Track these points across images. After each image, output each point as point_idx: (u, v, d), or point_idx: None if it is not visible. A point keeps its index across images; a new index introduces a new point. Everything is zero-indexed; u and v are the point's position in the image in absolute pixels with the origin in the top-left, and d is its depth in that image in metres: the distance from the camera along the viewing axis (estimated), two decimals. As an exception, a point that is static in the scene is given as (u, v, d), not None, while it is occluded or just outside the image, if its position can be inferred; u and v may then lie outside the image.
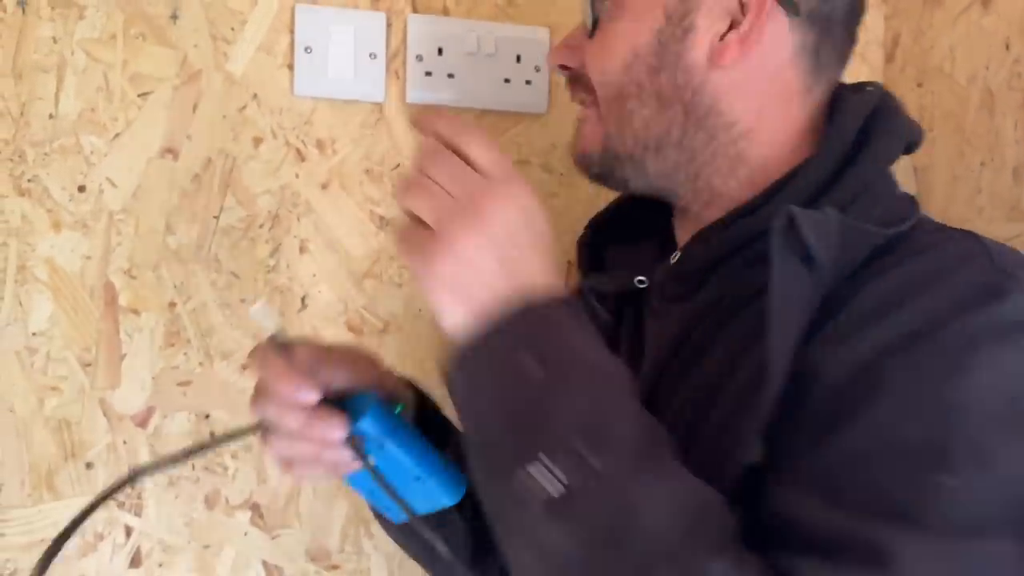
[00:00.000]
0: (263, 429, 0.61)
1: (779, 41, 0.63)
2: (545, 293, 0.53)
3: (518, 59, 0.94)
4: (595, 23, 0.67)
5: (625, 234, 0.76)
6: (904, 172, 0.97)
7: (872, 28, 1.07)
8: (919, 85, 1.05)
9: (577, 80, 0.70)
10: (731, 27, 0.63)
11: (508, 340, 0.52)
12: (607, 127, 0.67)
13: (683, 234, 0.70)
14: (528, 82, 0.95)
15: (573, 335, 0.53)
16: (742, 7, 0.62)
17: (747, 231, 0.62)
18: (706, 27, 0.63)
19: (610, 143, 0.67)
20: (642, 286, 0.71)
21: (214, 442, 0.65)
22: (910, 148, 0.67)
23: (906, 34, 1.06)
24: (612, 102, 0.66)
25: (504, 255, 0.53)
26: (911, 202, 0.64)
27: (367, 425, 0.62)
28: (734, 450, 0.54)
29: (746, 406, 0.55)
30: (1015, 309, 0.52)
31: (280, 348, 0.60)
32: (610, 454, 0.49)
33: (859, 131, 0.63)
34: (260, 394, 0.60)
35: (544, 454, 0.48)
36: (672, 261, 0.68)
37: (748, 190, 0.64)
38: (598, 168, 0.69)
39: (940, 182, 0.98)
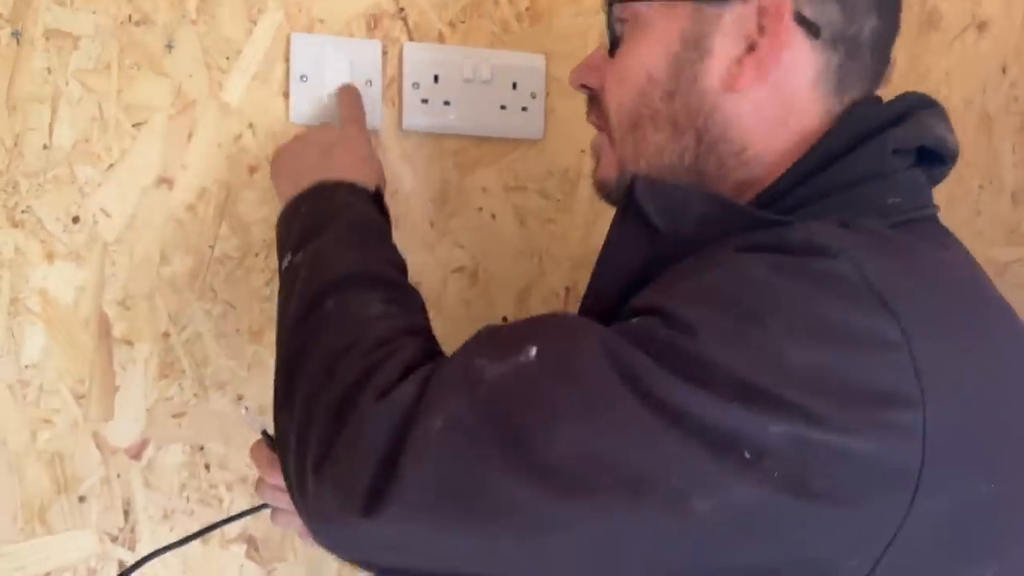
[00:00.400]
0: (270, 507, 0.75)
1: (799, 64, 0.61)
2: (342, 180, 0.75)
3: (514, 86, 0.94)
4: (614, 43, 0.67)
5: None
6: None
7: (868, 53, 1.07)
8: (916, 109, 1.05)
9: (594, 100, 0.70)
10: (749, 50, 0.61)
11: (302, 200, 0.74)
12: (621, 152, 0.67)
13: None
14: (524, 109, 0.95)
15: (342, 197, 0.73)
16: (760, 30, 0.60)
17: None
18: (723, 50, 0.62)
19: (625, 168, 0.67)
20: None
21: (228, 520, 0.78)
22: (940, 159, 0.63)
23: (902, 58, 1.06)
24: (626, 129, 0.66)
25: (324, 156, 0.78)
26: (891, 211, 0.59)
27: None
28: None
29: None
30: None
31: (269, 442, 0.72)
32: (326, 240, 0.69)
33: (859, 142, 0.60)
34: (260, 481, 0.75)
35: (290, 251, 0.70)
36: None
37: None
38: (616, 194, 0.68)
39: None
